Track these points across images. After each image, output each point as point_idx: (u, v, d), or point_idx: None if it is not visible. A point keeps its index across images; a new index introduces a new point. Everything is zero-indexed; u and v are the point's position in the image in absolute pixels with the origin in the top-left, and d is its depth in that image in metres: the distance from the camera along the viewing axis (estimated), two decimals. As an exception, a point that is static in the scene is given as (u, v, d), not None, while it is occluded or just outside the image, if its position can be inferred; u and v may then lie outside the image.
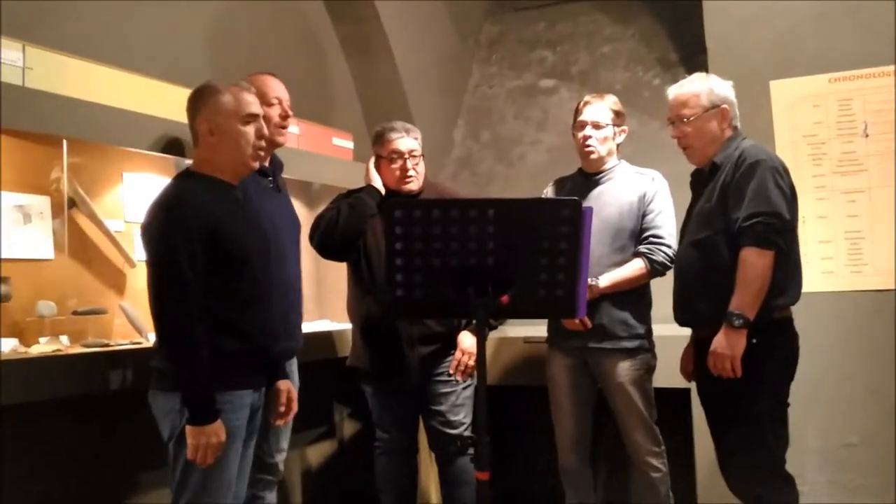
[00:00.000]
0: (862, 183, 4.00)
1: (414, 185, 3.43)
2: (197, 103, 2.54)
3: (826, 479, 3.87)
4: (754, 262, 2.73)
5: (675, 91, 3.06)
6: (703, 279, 2.90)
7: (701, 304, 2.91)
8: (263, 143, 2.60)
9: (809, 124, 4.10)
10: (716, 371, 2.78)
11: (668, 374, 3.38)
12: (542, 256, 2.22)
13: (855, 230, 4.00)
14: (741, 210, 2.77)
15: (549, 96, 5.37)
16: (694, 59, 4.79)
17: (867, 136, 4.02)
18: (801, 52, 4.10)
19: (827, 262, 3.91)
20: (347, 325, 3.94)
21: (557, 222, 2.20)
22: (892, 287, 3.89)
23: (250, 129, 2.54)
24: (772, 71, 4.12)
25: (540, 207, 2.26)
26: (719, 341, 2.76)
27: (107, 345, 2.94)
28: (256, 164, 2.62)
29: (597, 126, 3.34)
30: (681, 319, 3.07)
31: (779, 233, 2.75)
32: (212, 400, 2.36)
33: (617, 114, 3.38)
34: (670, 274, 3.26)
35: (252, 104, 2.56)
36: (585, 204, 3.26)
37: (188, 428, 2.33)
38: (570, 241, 2.21)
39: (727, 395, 2.83)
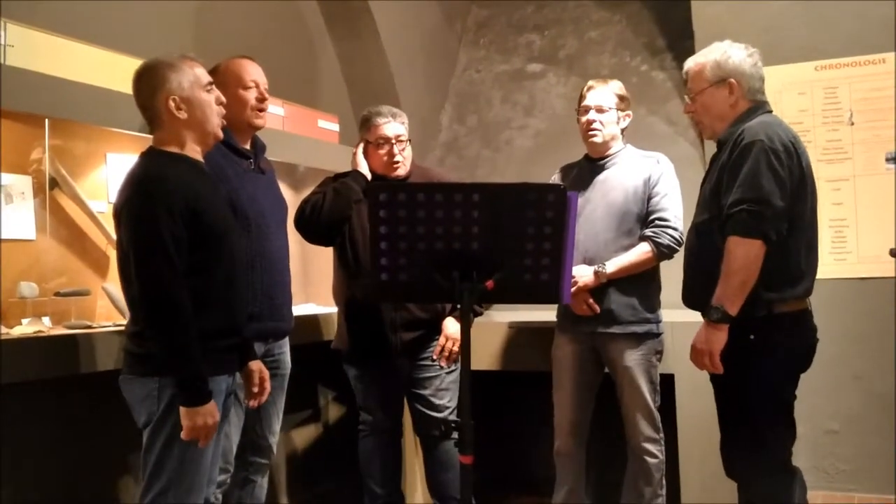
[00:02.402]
0: (846, 171, 4.03)
1: (401, 170, 3.42)
2: (153, 81, 2.45)
3: (808, 465, 3.90)
4: (736, 253, 2.57)
5: (686, 65, 2.94)
6: (699, 264, 2.80)
7: (698, 289, 2.80)
8: (223, 110, 2.56)
9: (795, 112, 4.12)
10: (696, 366, 2.71)
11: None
12: (527, 241, 2.22)
13: (839, 218, 4.03)
14: (729, 195, 2.62)
15: (537, 81, 5.36)
16: (681, 44, 4.79)
17: (852, 124, 4.04)
18: (787, 39, 4.11)
19: (811, 250, 3.93)
20: (333, 309, 3.93)
21: (542, 207, 2.18)
22: (876, 275, 3.92)
23: (213, 98, 2.51)
24: (759, 58, 4.12)
25: (525, 192, 2.24)
26: (698, 335, 2.67)
27: (89, 326, 2.92)
28: (221, 133, 2.57)
29: (600, 110, 3.33)
30: (686, 303, 2.96)
31: (767, 221, 2.56)
32: (205, 379, 2.32)
33: (621, 98, 3.37)
34: (676, 259, 3.25)
35: (206, 73, 2.53)
36: (592, 189, 3.30)
37: (182, 410, 2.29)
38: (555, 227, 2.20)
39: (726, 389, 2.78)
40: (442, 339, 3.43)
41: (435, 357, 3.44)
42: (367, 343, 3.43)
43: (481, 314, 3.59)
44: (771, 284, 2.63)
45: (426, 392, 3.45)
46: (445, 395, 3.45)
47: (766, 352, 2.67)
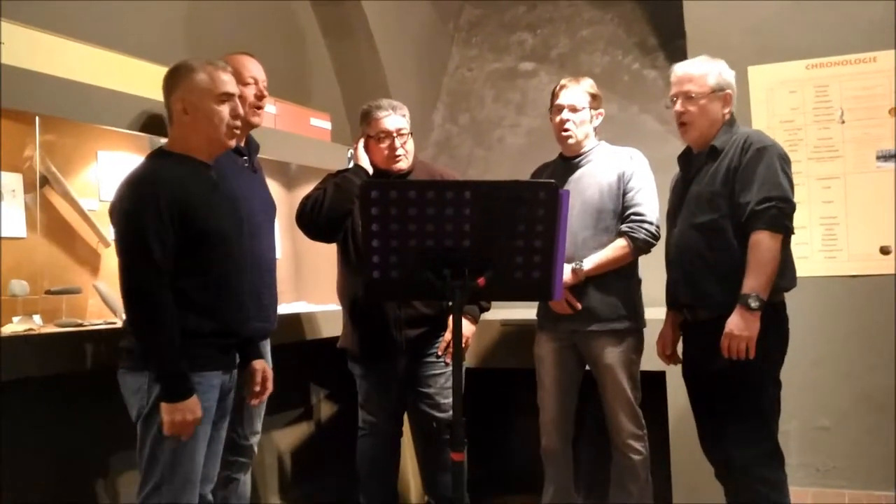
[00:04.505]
0: (837, 169, 4.04)
1: (403, 163, 3.36)
2: (172, 81, 2.53)
3: (798, 462, 3.92)
4: (769, 246, 2.76)
5: (683, 68, 3.04)
6: (708, 262, 2.92)
7: (708, 286, 2.92)
8: (238, 123, 2.58)
9: (786, 110, 4.13)
10: (729, 353, 2.78)
11: (645, 358, 3.40)
12: (519, 239, 2.22)
13: (830, 216, 4.04)
14: (752, 194, 2.80)
15: (529, 79, 5.36)
16: (673, 43, 4.80)
17: (843, 122, 4.05)
18: (779, 38, 4.12)
19: (802, 248, 3.95)
20: (324, 308, 3.94)
21: (534, 205, 2.19)
22: (866, 273, 3.94)
23: (225, 108, 2.52)
24: (750, 56, 4.14)
25: (517, 190, 2.25)
26: (736, 323, 2.77)
27: (80, 324, 2.91)
28: (232, 143, 2.61)
29: (573, 109, 3.34)
30: (684, 301, 3.05)
31: (789, 217, 2.80)
32: (184, 376, 2.35)
33: (593, 97, 3.38)
34: (655, 257, 3.25)
35: (227, 83, 2.54)
36: (566, 188, 3.31)
37: (163, 405, 2.32)
38: (547, 224, 2.20)
39: (730, 378, 2.84)
40: (447, 335, 3.40)
41: (440, 353, 3.41)
42: (372, 341, 3.40)
43: (488, 309, 3.57)
44: (778, 274, 2.82)
45: (431, 390, 3.41)
46: (450, 393, 3.39)
47: (772, 337, 2.84)
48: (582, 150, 3.40)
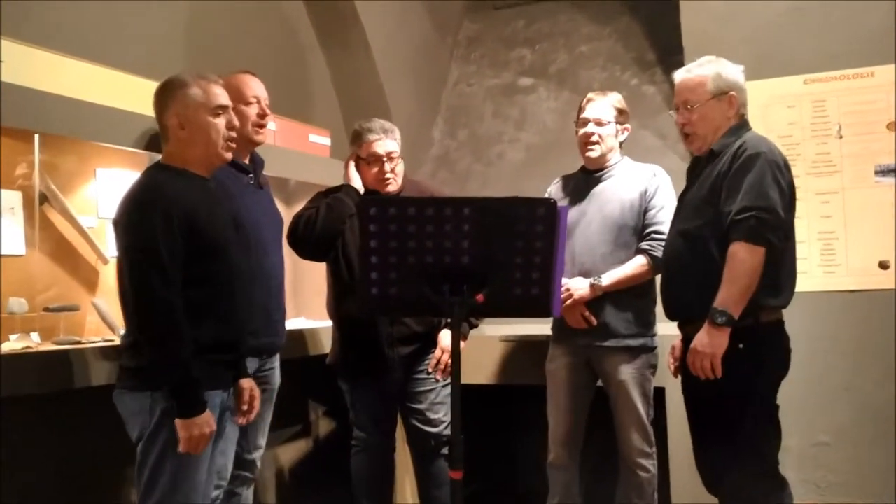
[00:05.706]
0: (835, 184, 4.04)
1: (392, 187, 3.40)
2: (165, 97, 2.51)
3: (798, 478, 3.90)
4: (743, 258, 2.61)
5: (681, 76, 2.94)
6: (688, 271, 2.81)
7: (686, 297, 2.83)
8: (234, 135, 2.57)
9: (784, 125, 4.14)
10: (694, 370, 2.70)
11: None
12: (518, 255, 2.22)
13: (828, 231, 4.03)
14: (735, 203, 2.65)
15: (528, 95, 5.37)
16: (671, 58, 4.81)
17: (841, 137, 4.06)
18: (776, 53, 4.13)
19: (800, 263, 3.89)
20: (324, 324, 3.93)
21: (533, 221, 2.19)
22: (865, 287, 3.93)
23: (221, 121, 2.51)
24: (747, 71, 4.11)
25: (515, 206, 2.24)
26: (700, 339, 2.67)
27: (79, 342, 2.91)
28: (229, 156, 2.59)
29: (599, 123, 3.33)
30: (667, 311, 2.98)
31: (772, 229, 2.63)
32: (199, 388, 2.33)
33: (620, 112, 3.37)
34: None
35: (221, 96, 2.54)
36: (587, 201, 3.31)
37: (178, 422, 2.30)
38: (545, 240, 2.20)
39: (713, 399, 2.75)
40: (437, 352, 3.41)
41: (430, 370, 3.41)
42: (363, 359, 3.41)
43: (477, 326, 3.58)
44: (763, 293, 2.68)
45: (421, 406, 3.43)
46: (441, 409, 3.43)
47: (756, 360, 2.72)
48: (605, 165, 3.38)
